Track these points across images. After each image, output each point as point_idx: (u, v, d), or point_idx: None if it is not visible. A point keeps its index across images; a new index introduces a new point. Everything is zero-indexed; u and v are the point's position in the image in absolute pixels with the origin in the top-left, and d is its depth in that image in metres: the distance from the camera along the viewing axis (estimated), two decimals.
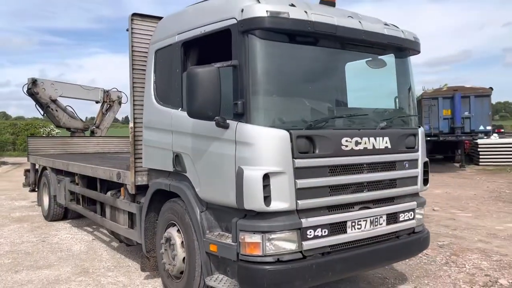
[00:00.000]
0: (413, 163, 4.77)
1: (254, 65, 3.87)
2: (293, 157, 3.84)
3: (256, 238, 3.79)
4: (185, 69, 4.72)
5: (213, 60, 4.09)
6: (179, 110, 4.72)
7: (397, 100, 5.03)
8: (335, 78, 4.63)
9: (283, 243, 3.84)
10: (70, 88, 12.66)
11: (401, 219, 4.65)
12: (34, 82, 11.82)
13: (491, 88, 19.17)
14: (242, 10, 3.89)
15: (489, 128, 19.05)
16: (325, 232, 4.04)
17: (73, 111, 12.85)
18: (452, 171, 19.89)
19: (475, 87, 19.49)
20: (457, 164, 21.78)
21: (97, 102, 13.29)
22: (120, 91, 13.52)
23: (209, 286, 4.31)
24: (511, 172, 18.83)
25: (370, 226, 4.36)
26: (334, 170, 4.11)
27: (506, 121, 64.04)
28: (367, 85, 4.94)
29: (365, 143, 4.28)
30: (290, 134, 3.84)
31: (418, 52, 5.00)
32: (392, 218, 4.58)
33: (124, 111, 15.10)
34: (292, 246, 3.87)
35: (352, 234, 4.23)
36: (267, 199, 3.74)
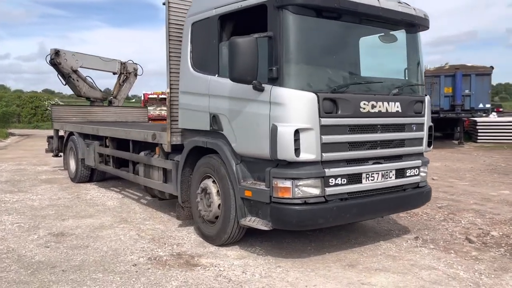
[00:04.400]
0: (419, 126, 5.46)
1: (287, 36, 4.52)
2: (319, 116, 4.53)
3: (287, 183, 4.52)
4: (221, 40, 5.37)
5: (247, 32, 4.73)
6: (216, 76, 5.38)
7: (407, 71, 5.69)
8: (355, 49, 5.28)
9: (309, 189, 4.57)
10: (89, 59, 13.22)
11: (407, 174, 5.38)
12: (56, 52, 12.38)
13: (492, 67, 19.72)
14: None
15: (488, 106, 19.70)
16: (344, 181, 4.77)
17: (92, 81, 13.45)
18: (451, 147, 20.60)
19: (477, 66, 20.04)
20: (456, 141, 22.50)
21: (114, 73, 13.86)
22: (136, 63, 14.10)
23: (242, 226, 5.08)
24: (508, 149, 19.55)
25: (381, 179, 5.09)
26: (353, 129, 4.81)
27: (505, 102, 64.33)
28: (382, 57, 5.59)
29: (380, 107, 4.96)
30: (317, 96, 4.52)
31: (427, 28, 5.64)
32: (400, 173, 5.30)
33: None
34: (316, 191, 4.59)
35: (366, 184, 4.96)
36: (297, 151, 4.45)
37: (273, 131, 4.50)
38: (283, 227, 4.79)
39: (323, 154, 4.57)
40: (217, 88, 5.32)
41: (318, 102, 4.52)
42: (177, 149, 6.34)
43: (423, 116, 5.50)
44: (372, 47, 5.53)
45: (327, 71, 4.89)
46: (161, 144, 6.53)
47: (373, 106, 4.90)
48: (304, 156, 4.49)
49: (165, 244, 5.59)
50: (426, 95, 5.65)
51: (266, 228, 4.71)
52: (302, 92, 4.52)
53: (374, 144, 5.02)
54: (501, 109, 32.14)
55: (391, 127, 5.15)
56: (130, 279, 4.44)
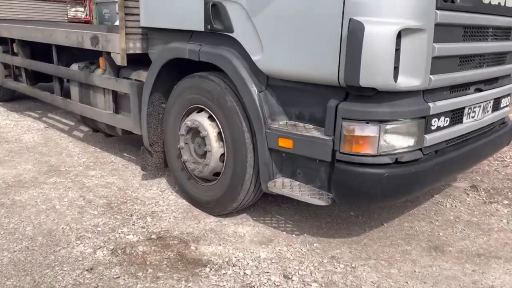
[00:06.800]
0: None
1: None
2: (436, 7, 2.49)
3: (371, 130, 2.55)
4: None
5: None
6: None
7: None
8: None
9: (401, 138, 2.65)
10: None
11: (501, 105, 3.64)
12: None
13: None
14: None
15: None
16: (446, 121, 2.90)
17: None
18: None
19: None
20: None
21: None
22: None
23: (270, 193, 3.12)
24: None
25: (481, 114, 3.29)
26: (467, 32, 2.85)
27: None
28: None
29: None
30: None
31: None
32: (496, 104, 3.54)
33: None
34: (410, 142, 2.69)
35: (466, 124, 3.15)
36: (395, 71, 2.44)
37: (355, 33, 2.40)
38: (355, 203, 2.96)
39: (431, 76, 2.61)
40: None
41: None
42: (133, 61, 4.04)
43: None
44: None
45: None
46: (108, 53, 4.14)
47: None
48: (405, 81, 2.49)
49: (131, 216, 3.51)
50: None
51: (321, 203, 2.79)
52: None
53: (481, 60, 3.13)
54: None
55: (499, 33, 3.26)
56: None
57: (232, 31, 3.04)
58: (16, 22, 6.61)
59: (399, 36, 2.38)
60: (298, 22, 2.66)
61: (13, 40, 6.03)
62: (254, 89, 2.98)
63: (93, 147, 5.19)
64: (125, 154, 4.99)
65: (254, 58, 2.93)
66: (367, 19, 2.37)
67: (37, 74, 5.96)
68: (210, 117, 3.35)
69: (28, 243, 3.03)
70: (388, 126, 2.56)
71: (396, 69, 2.43)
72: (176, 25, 3.47)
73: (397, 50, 2.41)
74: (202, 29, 3.22)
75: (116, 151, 5.06)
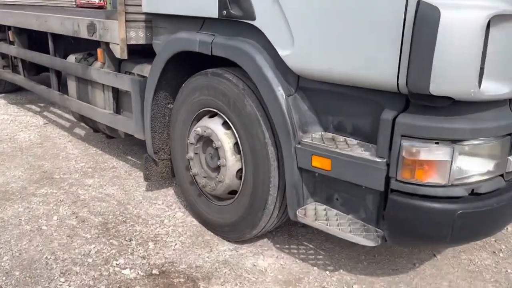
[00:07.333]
0: None
1: None
2: None
3: (443, 152, 1.89)
4: None
5: None
6: None
7: None
8: None
9: (478, 162, 1.99)
10: None
11: None
12: None
13: None
14: None
15: None
16: None
17: None
18: None
19: None
20: None
21: None
22: None
23: (298, 221, 2.50)
24: None
25: None
26: None
27: None
28: None
29: None
30: None
31: None
32: None
33: None
34: (490, 166, 2.03)
35: None
36: (480, 72, 1.78)
37: (423, 22, 1.74)
38: (414, 245, 2.30)
39: None
40: None
41: None
42: (138, 51, 3.45)
43: None
44: None
45: None
46: (107, 43, 3.53)
47: None
48: (492, 87, 1.83)
49: (130, 241, 2.92)
50: None
51: (368, 244, 2.15)
52: None
53: None
54: None
55: None
56: None
57: (253, 18, 2.39)
58: (13, 7, 6.04)
59: (487, 25, 1.71)
60: (343, 6, 2.00)
61: (9, 28, 5.47)
62: (280, 92, 2.34)
63: (94, 149, 4.62)
64: (129, 157, 4.41)
65: (282, 53, 2.28)
66: (443, 2, 1.70)
67: (37, 64, 5.39)
68: (225, 124, 2.73)
69: (2, 281, 2.47)
70: (465, 148, 1.91)
71: (482, 70, 1.77)
72: (185, 10, 2.83)
73: (484, 45, 1.74)
74: (216, 15, 2.57)
75: (120, 154, 4.48)
